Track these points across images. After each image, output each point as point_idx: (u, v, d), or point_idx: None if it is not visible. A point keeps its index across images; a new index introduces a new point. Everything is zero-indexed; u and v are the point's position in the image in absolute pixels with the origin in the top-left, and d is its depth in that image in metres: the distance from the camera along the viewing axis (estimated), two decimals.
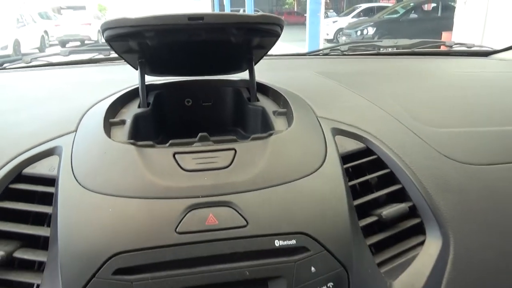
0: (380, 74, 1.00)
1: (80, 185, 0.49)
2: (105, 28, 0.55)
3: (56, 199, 0.50)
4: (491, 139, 0.69)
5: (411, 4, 11.77)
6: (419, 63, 1.16)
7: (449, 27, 6.09)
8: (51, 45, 11.31)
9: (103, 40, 0.60)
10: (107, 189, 0.49)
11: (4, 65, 1.12)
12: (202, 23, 0.53)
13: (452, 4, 8.03)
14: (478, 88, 0.93)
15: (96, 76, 0.98)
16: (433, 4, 11.63)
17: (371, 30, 9.80)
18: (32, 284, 0.48)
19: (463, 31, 5.06)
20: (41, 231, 0.50)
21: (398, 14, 10.92)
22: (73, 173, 0.51)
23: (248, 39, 0.62)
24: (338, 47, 1.32)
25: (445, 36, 6.31)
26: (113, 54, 1.17)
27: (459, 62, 1.20)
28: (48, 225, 0.50)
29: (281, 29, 0.60)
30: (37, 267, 0.50)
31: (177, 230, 0.46)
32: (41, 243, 0.51)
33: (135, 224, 0.46)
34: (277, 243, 0.47)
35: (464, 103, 0.82)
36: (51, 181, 0.53)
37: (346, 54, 1.27)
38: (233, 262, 0.46)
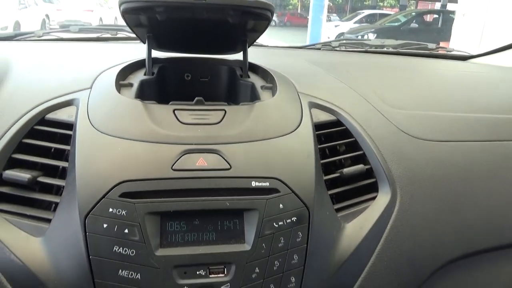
0: (362, 66, 1.11)
1: (95, 128, 0.60)
2: (122, 1, 0.66)
3: (74, 139, 0.60)
4: (443, 121, 0.80)
5: (413, 13, 11.90)
6: (400, 61, 1.28)
7: (447, 39, 6.23)
8: (51, 30, 11.27)
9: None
10: (117, 133, 0.59)
11: (18, 37, 1.21)
12: (205, 3, 0.64)
13: (453, 16, 8.18)
14: (445, 82, 1.05)
15: (105, 51, 1.09)
16: (435, 16, 11.77)
17: (371, 37, 9.95)
18: (52, 203, 0.58)
19: (459, 41, 5.20)
20: (61, 163, 0.61)
21: (400, 23, 11.06)
22: (89, 119, 0.62)
23: (243, 21, 0.72)
24: (330, 43, 1.43)
25: (442, 45, 6.44)
26: (120, 34, 1.27)
27: (438, 63, 1.31)
28: (66, 160, 0.61)
29: (272, 15, 0.70)
30: (55, 192, 0.61)
31: (173, 167, 0.57)
32: (59, 174, 0.61)
33: (139, 160, 0.57)
34: (254, 183, 0.59)
35: (427, 91, 0.94)
36: (70, 126, 0.63)
37: (336, 49, 1.38)
38: (217, 195, 0.57)
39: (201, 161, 0.58)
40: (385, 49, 1.43)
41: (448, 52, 1.43)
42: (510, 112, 0.89)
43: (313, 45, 1.47)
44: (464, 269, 0.74)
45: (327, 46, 1.41)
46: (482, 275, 0.76)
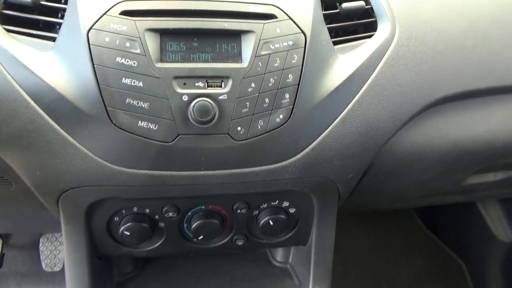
0: None
1: None
2: None
3: None
4: None
5: None
6: None
7: None
8: None
9: None
10: None
11: None
12: None
13: None
14: None
15: None
16: None
17: None
18: (56, 24, 0.61)
19: None
20: None
21: None
22: None
23: None
24: None
25: None
26: None
27: None
28: None
29: None
30: (57, 15, 0.63)
31: None
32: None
33: None
34: (252, 8, 0.60)
35: None
36: None
37: None
38: (215, 17, 0.59)
39: None
40: None
41: None
42: None
43: None
44: (457, 110, 0.76)
45: None
46: (474, 116, 0.78)
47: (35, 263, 1.63)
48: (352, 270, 1.72)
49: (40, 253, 1.57)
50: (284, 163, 0.65)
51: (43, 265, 1.56)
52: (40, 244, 1.57)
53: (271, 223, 0.76)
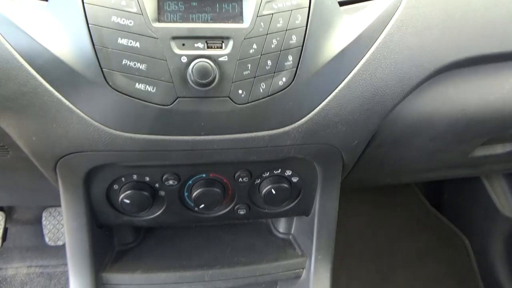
0: None
1: None
2: None
3: None
4: None
5: None
6: None
7: None
8: None
9: None
10: None
11: None
12: None
13: None
14: None
15: None
16: None
17: None
18: None
19: None
20: None
21: None
22: None
23: None
24: None
25: None
26: None
27: None
28: None
29: None
30: None
31: None
32: None
33: None
34: None
35: None
36: None
37: None
38: None
39: None
40: None
41: None
42: None
43: None
44: (467, 76, 0.73)
45: None
46: (485, 83, 0.75)
47: (39, 238, 1.64)
48: (354, 247, 1.72)
49: (43, 227, 1.58)
50: (286, 128, 0.63)
51: (46, 239, 1.57)
52: (43, 218, 1.58)
53: (274, 192, 0.75)
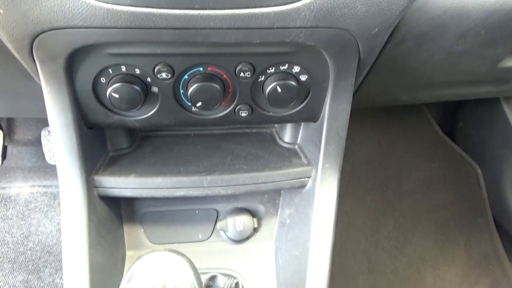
0: None
1: None
2: None
3: None
4: None
5: None
6: None
7: None
8: None
9: None
10: None
11: None
12: None
13: None
14: None
15: None
16: None
17: None
18: None
19: None
20: None
21: None
22: None
23: None
24: None
25: None
26: None
27: None
28: None
29: None
30: None
31: None
32: None
33: None
34: None
35: None
36: None
37: None
38: None
39: None
40: None
41: None
42: None
43: None
44: None
45: None
46: None
47: (40, 159, 1.63)
48: (360, 175, 1.68)
49: (43, 146, 1.54)
50: (296, 4, 0.53)
51: (47, 158, 1.55)
52: (42, 137, 1.55)
53: (279, 90, 0.67)
